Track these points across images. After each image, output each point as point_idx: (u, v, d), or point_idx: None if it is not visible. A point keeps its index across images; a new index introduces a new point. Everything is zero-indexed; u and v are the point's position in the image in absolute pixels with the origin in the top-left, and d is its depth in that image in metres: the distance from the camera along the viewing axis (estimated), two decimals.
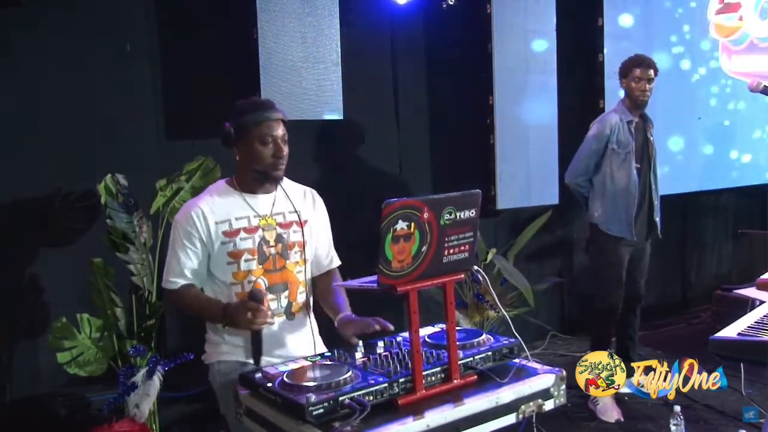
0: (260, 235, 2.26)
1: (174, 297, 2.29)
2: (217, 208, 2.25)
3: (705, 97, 5.47)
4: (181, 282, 2.26)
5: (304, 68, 3.75)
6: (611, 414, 3.61)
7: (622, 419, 3.59)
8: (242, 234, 2.23)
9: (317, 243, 2.44)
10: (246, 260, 2.23)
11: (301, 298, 2.34)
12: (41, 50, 3.29)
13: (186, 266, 2.24)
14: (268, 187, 2.32)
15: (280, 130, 2.24)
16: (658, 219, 3.93)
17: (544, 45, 4.63)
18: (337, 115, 3.87)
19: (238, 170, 2.31)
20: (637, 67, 3.78)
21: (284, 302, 2.29)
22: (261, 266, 2.25)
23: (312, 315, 2.40)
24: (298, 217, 2.33)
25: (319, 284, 2.45)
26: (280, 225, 2.30)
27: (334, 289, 2.36)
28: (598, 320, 3.98)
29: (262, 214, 2.29)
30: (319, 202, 2.47)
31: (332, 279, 2.46)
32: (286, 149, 2.25)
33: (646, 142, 3.88)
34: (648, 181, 3.89)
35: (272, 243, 2.27)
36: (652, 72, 3.79)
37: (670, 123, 5.16)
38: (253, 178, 2.28)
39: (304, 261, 2.35)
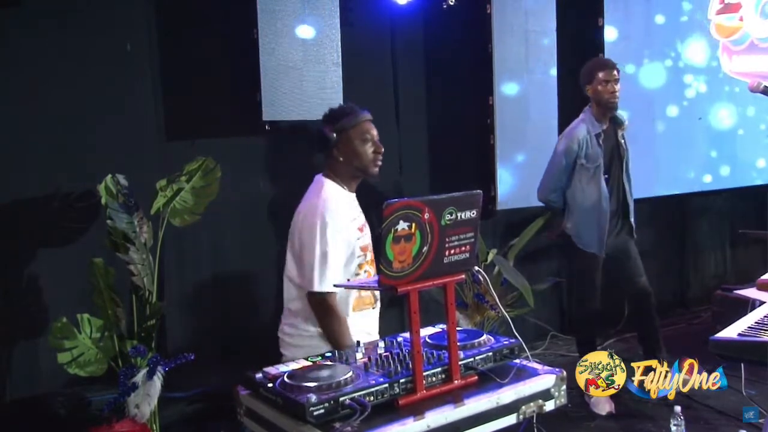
0: (368, 230, 2.47)
1: (329, 304, 2.31)
2: (347, 207, 2.41)
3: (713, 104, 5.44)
4: (333, 289, 2.30)
5: (304, 68, 3.75)
6: (603, 407, 3.63)
7: (614, 412, 3.61)
8: (365, 230, 2.45)
9: None
10: (369, 251, 2.44)
11: None
12: (41, 50, 3.29)
13: (338, 270, 2.31)
14: (357, 186, 2.50)
15: (374, 131, 2.43)
16: (632, 220, 3.86)
17: (544, 45, 4.62)
18: None
19: (337, 171, 2.43)
20: (600, 70, 3.65)
21: None
22: (371, 259, 2.44)
23: None
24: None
25: None
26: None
27: None
28: (578, 323, 4.02)
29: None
30: None
31: None
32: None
33: (617, 146, 3.78)
34: (621, 185, 3.80)
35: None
36: (616, 72, 3.65)
37: (673, 127, 5.16)
38: (353, 177, 2.45)
39: None
